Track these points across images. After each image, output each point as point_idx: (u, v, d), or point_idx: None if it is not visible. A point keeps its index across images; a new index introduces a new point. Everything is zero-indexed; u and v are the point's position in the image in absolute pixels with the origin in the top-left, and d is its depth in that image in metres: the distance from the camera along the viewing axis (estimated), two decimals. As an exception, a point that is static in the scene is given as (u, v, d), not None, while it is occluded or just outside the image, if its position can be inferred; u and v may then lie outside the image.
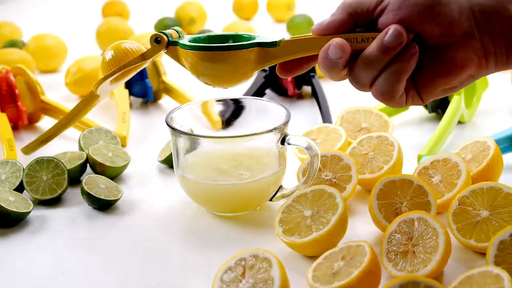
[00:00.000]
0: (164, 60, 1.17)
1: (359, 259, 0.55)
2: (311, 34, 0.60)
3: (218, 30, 1.38)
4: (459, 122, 0.92)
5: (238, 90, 1.06)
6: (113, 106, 1.04)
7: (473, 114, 0.95)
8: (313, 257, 0.63)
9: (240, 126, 0.77)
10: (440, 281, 0.59)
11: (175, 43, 0.63)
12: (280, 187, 0.71)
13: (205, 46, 0.61)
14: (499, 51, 0.55)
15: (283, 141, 0.69)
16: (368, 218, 0.68)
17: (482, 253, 0.62)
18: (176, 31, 0.65)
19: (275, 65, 1.02)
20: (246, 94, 1.01)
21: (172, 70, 1.12)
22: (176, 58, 0.64)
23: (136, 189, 0.79)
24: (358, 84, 0.58)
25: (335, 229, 0.62)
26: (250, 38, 0.62)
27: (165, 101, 1.06)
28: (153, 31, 1.37)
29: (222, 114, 0.77)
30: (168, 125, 0.69)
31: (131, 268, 0.64)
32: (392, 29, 0.54)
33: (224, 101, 0.76)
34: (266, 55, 0.61)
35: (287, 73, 0.62)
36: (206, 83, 0.64)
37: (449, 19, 0.54)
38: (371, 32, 0.57)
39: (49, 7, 1.79)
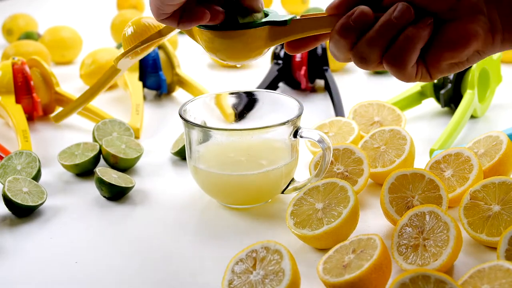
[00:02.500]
0: (178, 52, 1.18)
1: (370, 252, 0.55)
2: (320, 13, 0.61)
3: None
4: (472, 117, 0.92)
5: (251, 83, 1.07)
6: (127, 98, 1.04)
7: (486, 109, 0.94)
8: (324, 250, 0.63)
9: (253, 119, 0.77)
10: (450, 275, 0.59)
11: None
12: (292, 179, 0.72)
13: (217, 25, 0.62)
14: (507, 27, 0.56)
15: (295, 134, 0.69)
16: (380, 212, 0.68)
17: (493, 248, 0.62)
18: None
19: (289, 59, 1.04)
20: (259, 87, 1.01)
21: (186, 63, 1.13)
22: (192, 35, 0.66)
23: (148, 180, 0.79)
24: (364, 61, 0.57)
25: (346, 222, 0.62)
26: (264, 13, 0.64)
27: (179, 93, 1.07)
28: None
29: (235, 106, 0.78)
30: (181, 117, 0.70)
31: (142, 259, 0.64)
32: (400, 5, 0.55)
33: (237, 94, 0.77)
34: (277, 33, 0.61)
35: (295, 50, 0.63)
36: (220, 59, 0.65)
37: None
38: (379, 12, 0.57)
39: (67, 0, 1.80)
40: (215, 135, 0.71)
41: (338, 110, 0.93)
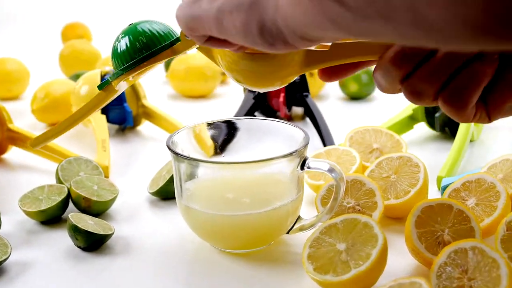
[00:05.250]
0: (144, 81, 1.08)
1: (419, 299, 0.47)
2: None
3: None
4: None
5: (219, 113, 0.99)
6: (86, 134, 0.94)
7: (480, 132, 0.89)
8: (350, 298, 0.55)
9: (242, 151, 0.69)
10: (500, 319, 0.51)
11: None
12: (298, 217, 0.63)
13: None
14: None
15: (302, 166, 0.61)
16: (399, 249, 0.60)
17: (540, 285, 0.55)
18: None
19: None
20: (235, 116, 0.92)
21: (152, 93, 1.03)
22: (209, 55, 0.56)
23: (127, 225, 0.69)
24: (418, 96, 0.50)
25: (376, 264, 0.54)
26: None
27: (144, 127, 0.97)
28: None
29: (215, 138, 0.69)
30: (171, 150, 0.61)
31: (136, 319, 0.54)
32: None
33: (226, 123, 0.68)
34: (314, 58, 0.53)
35: (330, 78, 0.55)
36: (241, 83, 0.56)
37: None
38: None
39: (7, 31, 1.67)
40: (211, 169, 0.62)
41: (327, 138, 0.85)
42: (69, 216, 0.64)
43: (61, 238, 0.66)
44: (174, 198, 0.73)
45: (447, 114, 0.50)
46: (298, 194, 0.62)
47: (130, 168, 0.84)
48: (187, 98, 1.12)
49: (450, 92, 0.49)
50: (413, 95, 0.50)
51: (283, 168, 0.61)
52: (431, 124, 0.88)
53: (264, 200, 0.61)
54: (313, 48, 0.54)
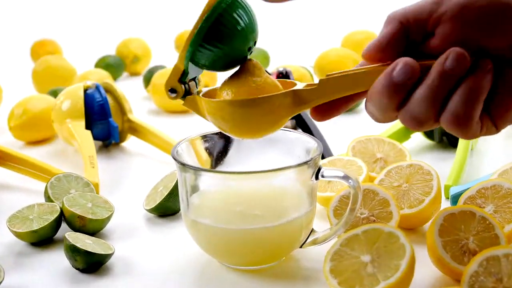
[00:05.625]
0: (128, 93, 1.04)
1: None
2: (352, 69, 0.51)
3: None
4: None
5: (203, 128, 0.95)
6: (69, 153, 0.89)
7: (477, 141, 0.87)
8: (377, 313, 0.51)
9: (236, 163, 0.65)
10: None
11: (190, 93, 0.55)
12: (312, 230, 0.60)
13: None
14: None
15: (317, 175, 0.58)
16: (420, 259, 0.58)
17: None
18: (194, 80, 0.56)
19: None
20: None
21: (133, 109, 0.99)
22: (195, 108, 0.55)
23: (124, 244, 0.65)
24: (418, 122, 0.48)
25: (406, 275, 0.51)
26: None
27: (129, 143, 0.93)
28: (93, 68, 1.23)
29: (211, 150, 0.65)
30: (177, 161, 0.57)
31: None
32: (453, 52, 0.46)
33: (211, 136, 0.65)
34: (302, 97, 0.52)
35: (323, 117, 0.54)
36: (228, 133, 0.55)
37: None
38: (426, 59, 0.48)
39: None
40: (221, 181, 0.58)
41: (325, 149, 0.82)
42: (66, 235, 0.59)
43: (56, 260, 0.62)
44: (172, 214, 0.70)
45: (453, 133, 0.48)
46: (311, 205, 0.59)
47: (120, 185, 0.80)
48: (169, 113, 1.08)
49: (451, 112, 0.47)
50: (413, 122, 0.48)
51: (295, 178, 0.58)
52: (428, 134, 0.87)
53: (277, 213, 0.58)
54: (300, 87, 0.52)
